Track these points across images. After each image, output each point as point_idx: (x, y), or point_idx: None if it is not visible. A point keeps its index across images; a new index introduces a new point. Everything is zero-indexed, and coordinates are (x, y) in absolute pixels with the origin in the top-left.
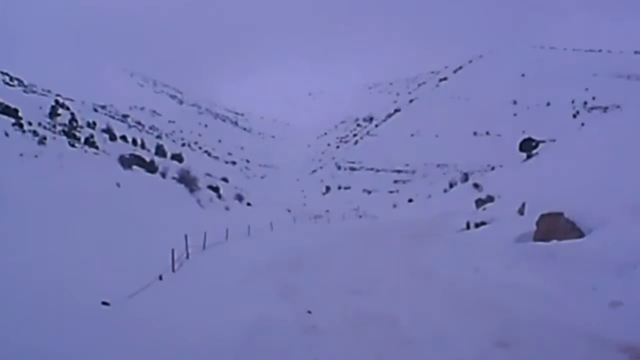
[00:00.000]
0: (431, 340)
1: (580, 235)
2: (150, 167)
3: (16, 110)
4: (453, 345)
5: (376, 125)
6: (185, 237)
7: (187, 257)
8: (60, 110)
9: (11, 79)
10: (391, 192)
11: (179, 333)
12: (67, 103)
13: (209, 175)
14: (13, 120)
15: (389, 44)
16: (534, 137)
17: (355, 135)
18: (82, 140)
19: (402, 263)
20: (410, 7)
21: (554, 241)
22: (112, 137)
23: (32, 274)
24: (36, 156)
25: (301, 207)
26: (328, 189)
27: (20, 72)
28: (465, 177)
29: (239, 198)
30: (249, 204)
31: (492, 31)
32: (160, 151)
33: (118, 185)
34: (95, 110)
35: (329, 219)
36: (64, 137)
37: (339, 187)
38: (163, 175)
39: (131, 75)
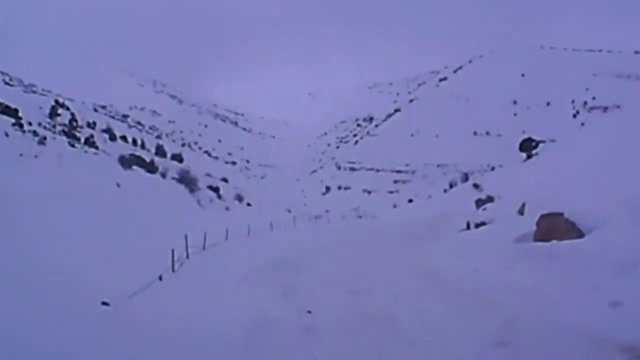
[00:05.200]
0: (431, 340)
1: (580, 235)
2: (150, 167)
3: (16, 110)
4: (453, 345)
5: (376, 125)
6: (185, 237)
7: (187, 257)
8: (60, 110)
9: (11, 79)
10: (391, 192)
11: (178, 333)
12: (67, 103)
13: (209, 175)
14: (13, 120)
15: (388, 44)
16: (534, 137)
17: (355, 135)
18: (82, 140)
19: (402, 263)
20: (410, 7)
21: (554, 241)
22: (112, 137)
23: (32, 274)
24: (36, 156)
25: (301, 207)
26: (328, 189)
27: (20, 72)
28: (465, 177)
29: (239, 198)
30: (249, 204)
31: (492, 31)
32: (160, 151)
33: (118, 185)
34: (95, 110)
35: (329, 219)
36: (64, 137)
37: (339, 187)
38: (163, 175)
39: (131, 75)
